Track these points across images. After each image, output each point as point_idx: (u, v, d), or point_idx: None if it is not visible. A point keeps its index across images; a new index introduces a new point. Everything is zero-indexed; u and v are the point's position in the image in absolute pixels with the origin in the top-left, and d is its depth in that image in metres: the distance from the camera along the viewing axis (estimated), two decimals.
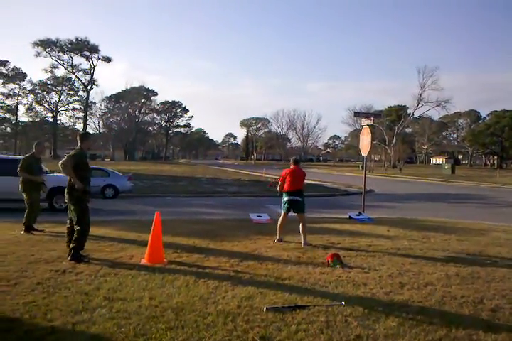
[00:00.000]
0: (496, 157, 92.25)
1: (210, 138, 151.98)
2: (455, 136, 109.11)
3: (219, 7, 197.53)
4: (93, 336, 3.36)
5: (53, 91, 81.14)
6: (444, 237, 8.33)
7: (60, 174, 14.92)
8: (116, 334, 3.40)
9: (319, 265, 5.83)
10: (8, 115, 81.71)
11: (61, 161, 6.03)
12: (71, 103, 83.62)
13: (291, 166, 7.82)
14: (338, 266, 5.70)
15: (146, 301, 4.16)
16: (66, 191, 6.03)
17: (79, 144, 6.29)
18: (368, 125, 12.18)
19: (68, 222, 6.23)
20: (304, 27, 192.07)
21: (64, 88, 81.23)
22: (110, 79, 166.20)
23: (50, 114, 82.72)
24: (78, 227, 5.94)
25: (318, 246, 7.19)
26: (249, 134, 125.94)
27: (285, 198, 7.61)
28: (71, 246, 5.91)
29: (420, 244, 7.54)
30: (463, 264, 6.07)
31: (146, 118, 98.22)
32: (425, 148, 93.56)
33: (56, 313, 3.82)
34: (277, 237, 7.66)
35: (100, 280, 4.91)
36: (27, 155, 8.75)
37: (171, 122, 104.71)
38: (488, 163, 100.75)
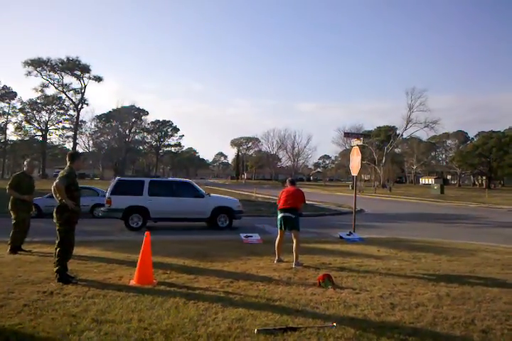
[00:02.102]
0: (484, 177, 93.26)
1: (200, 157, 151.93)
2: (443, 156, 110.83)
3: (212, 28, 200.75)
4: None
5: (43, 110, 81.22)
6: (435, 257, 8.35)
7: (219, 195, 16.15)
8: None
9: (310, 286, 5.80)
10: None
11: (55, 183, 5.93)
12: (61, 122, 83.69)
13: (288, 186, 7.93)
14: (329, 286, 5.68)
15: (135, 323, 4.10)
16: (55, 211, 5.94)
17: (68, 164, 6.20)
18: (357, 145, 12.33)
19: (57, 242, 6.13)
20: (295, 48, 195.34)
21: (54, 107, 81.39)
22: (101, 98, 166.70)
23: (39, 133, 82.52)
24: (59, 248, 5.85)
25: (309, 266, 7.16)
26: (240, 153, 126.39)
27: (279, 215, 7.68)
28: (55, 269, 5.82)
29: (411, 264, 7.55)
30: (454, 285, 6.08)
31: (136, 137, 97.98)
32: (414, 168, 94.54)
33: (43, 336, 3.75)
34: (277, 257, 7.61)
35: (88, 301, 4.83)
36: (18, 172, 8.61)
37: (162, 141, 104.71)
38: (476, 183, 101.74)
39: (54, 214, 5.96)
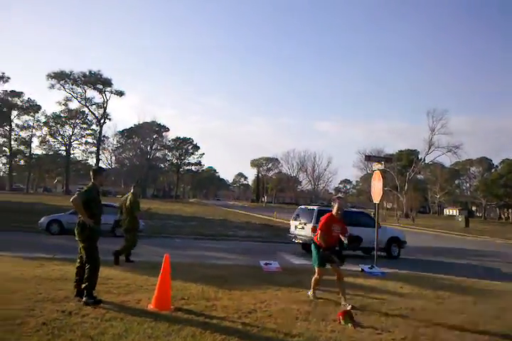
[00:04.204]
0: (510, 210, 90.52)
1: (220, 177, 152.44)
2: (468, 185, 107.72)
3: (232, 45, 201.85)
4: None
5: (67, 124, 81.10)
6: (460, 298, 8.04)
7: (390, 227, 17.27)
8: None
9: (330, 322, 5.65)
10: (22, 147, 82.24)
11: (72, 198, 5.95)
12: (84, 136, 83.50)
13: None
14: (349, 324, 5.51)
15: None
16: (76, 228, 5.94)
17: (92, 180, 6.20)
18: (379, 169, 12.01)
19: (78, 260, 6.12)
20: (315, 67, 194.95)
21: (77, 121, 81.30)
22: (123, 113, 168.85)
23: (63, 147, 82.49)
24: (88, 265, 5.82)
25: (329, 301, 6.98)
26: (260, 175, 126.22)
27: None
28: (83, 286, 5.78)
29: (435, 305, 7.27)
30: (480, 330, 5.83)
31: (157, 154, 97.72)
32: (438, 197, 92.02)
33: None
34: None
35: (106, 324, 4.82)
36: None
37: (182, 159, 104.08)
38: (502, 216, 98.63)
39: (75, 231, 5.95)
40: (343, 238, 6.81)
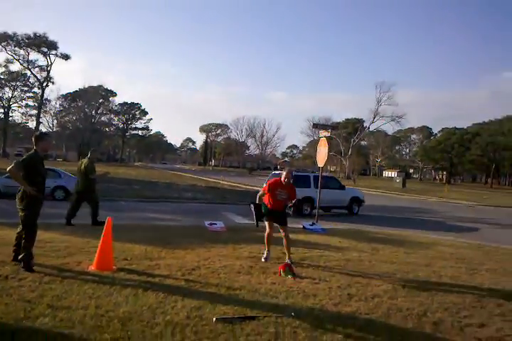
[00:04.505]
0: (445, 172, 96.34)
1: (168, 141, 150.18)
2: (407, 150, 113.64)
3: (184, 9, 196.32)
4: None
5: (6, 86, 77.61)
6: (393, 249, 8.59)
7: (352, 188, 18.28)
8: None
9: (271, 275, 5.86)
10: None
11: (9, 167, 5.59)
12: (25, 99, 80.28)
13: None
14: (289, 276, 5.75)
15: (91, 310, 4.03)
16: (17, 196, 5.63)
17: (34, 146, 5.77)
18: (325, 137, 12.44)
19: (20, 226, 5.82)
20: (269, 37, 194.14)
21: (18, 84, 77.90)
22: (67, 77, 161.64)
23: (1, 110, 79.08)
24: (25, 234, 5.58)
25: (270, 256, 7.21)
26: (209, 140, 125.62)
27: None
28: (20, 256, 5.57)
29: (369, 256, 7.74)
30: (409, 277, 6.28)
31: (103, 118, 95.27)
32: (379, 161, 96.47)
33: None
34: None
35: (44, 287, 4.72)
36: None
37: (129, 124, 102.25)
38: (437, 177, 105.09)
39: (16, 200, 5.66)
40: (290, 204, 7.14)
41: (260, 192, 7.23)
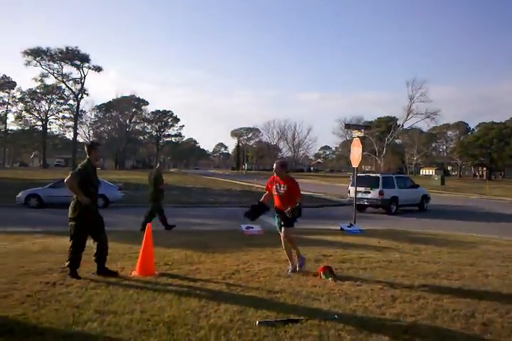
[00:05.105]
0: (484, 168, 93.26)
1: (201, 147, 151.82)
2: (444, 147, 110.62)
3: (212, 17, 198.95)
4: None
5: (43, 99, 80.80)
6: (435, 249, 8.37)
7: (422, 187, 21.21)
8: None
9: (311, 278, 5.82)
10: None
11: (66, 179, 5.69)
12: (61, 111, 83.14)
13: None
14: (330, 278, 5.69)
15: (137, 315, 4.12)
16: (70, 205, 5.70)
17: (87, 155, 5.85)
18: (358, 137, 12.32)
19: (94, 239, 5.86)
20: (296, 38, 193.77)
21: (54, 97, 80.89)
22: (101, 88, 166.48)
23: (39, 123, 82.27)
24: (71, 244, 5.66)
25: (309, 258, 7.16)
26: (240, 144, 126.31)
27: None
28: (66, 263, 5.68)
29: (411, 257, 7.57)
30: (454, 277, 6.10)
31: (136, 127, 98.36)
32: (415, 159, 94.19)
33: (47, 326, 3.77)
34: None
35: (91, 292, 4.86)
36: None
37: (162, 131, 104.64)
38: (477, 174, 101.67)
39: (69, 209, 5.71)
40: (287, 209, 6.18)
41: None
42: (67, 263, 5.68)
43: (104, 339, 3.53)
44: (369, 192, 17.32)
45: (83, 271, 5.76)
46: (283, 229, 6.32)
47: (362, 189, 17.00)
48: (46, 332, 3.61)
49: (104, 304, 4.44)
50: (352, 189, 17.04)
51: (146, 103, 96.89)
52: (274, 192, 6.39)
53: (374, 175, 19.33)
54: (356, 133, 12.51)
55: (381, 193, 17.09)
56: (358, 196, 16.68)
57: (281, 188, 6.28)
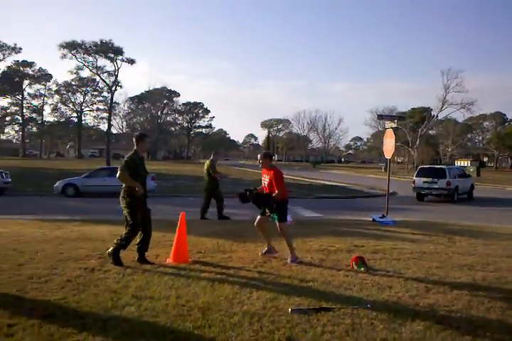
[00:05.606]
0: None
1: (231, 138, 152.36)
2: (480, 138, 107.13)
3: (241, 10, 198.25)
4: (123, 333, 3.43)
5: (78, 92, 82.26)
6: (471, 241, 8.20)
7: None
8: (146, 332, 3.47)
9: (343, 268, 5.82)
10: (34, 115, 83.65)
11: (118, 174, 5.76)
12: (95, 103, 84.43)
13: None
14: (362, 268, 5.68)
15: (173, 300, 4.23)
16: (121, 195, 5.82)
17: (135, 146, 5.95)
18: (391, 128, 12.12)
19: (126, 227, 5.93)
20: (327, 27, 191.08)
21: (88, 89, 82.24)
22: (133, 80, 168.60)
23: (74, 114, 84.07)
24: (127, 230, 5.79)
25: (341, 248, 7.16)
26: (270, 135, 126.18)
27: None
28: (116, 242, 5.79)
29: (446, 248, 7.44)
30: (489, 268, 5.98)
31: (168, 118, 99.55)
32: (450, 150, 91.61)
33: (87, 310, 3.91)
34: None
35: (128, 278, 5.01)
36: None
37: (193, 123, 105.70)
38: None
39: (120, 198, 5.85)
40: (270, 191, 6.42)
41: None
42: (111, 249, 5.80)
43: (141, 323, 3.64)
44: (435, 183, 18.72)
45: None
46: (278, 223, 6.49)
47: (427, 179, 18.97)
48: (86, 316, 3.75)
49: (141, 289, 4.58)
50: (418, 179, 19.27)
51: (178, 94, 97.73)
52: (263, 183, 6.55)
53: (439, 166, 21.70)
54: (389, 124, 12.29)
55: (448, 183, 18.51)
56: (424, 186, 19.27)
57: (266, 179, 6.43)
